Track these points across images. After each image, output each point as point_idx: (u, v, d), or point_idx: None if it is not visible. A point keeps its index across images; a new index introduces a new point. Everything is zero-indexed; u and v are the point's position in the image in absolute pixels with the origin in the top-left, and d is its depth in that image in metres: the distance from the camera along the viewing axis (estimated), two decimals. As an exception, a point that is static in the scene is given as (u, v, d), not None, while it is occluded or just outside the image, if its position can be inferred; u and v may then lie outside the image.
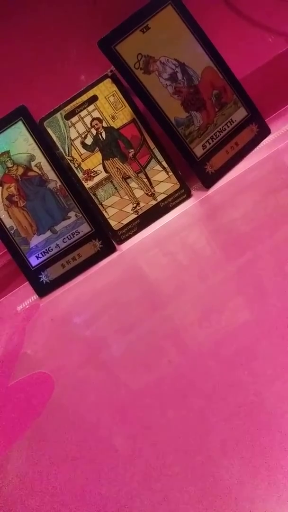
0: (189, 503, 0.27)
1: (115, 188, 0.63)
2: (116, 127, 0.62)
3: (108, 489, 0.30)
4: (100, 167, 0.62)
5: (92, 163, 0.62)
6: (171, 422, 0.33)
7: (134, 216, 0.63)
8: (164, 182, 0.62)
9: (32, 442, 0.38)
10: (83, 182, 0.63)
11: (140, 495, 0.29)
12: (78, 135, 0.62)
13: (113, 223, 0.63)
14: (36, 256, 0.62)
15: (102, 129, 0.62)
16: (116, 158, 0.62)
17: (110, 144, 0.62)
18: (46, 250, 0.62)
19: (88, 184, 0.63)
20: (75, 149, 0.62)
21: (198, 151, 0.60)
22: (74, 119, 0.62)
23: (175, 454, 0.30)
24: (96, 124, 0.62)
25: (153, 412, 0.34)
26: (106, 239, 0.62)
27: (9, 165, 0.61)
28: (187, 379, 0.35)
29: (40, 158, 0.61)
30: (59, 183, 0.62)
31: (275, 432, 0.28)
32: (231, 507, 0.26)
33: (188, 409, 0.33)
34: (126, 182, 0.63)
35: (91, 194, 0.63)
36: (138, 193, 0.63)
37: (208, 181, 0.61)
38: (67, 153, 0.62)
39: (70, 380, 0.43)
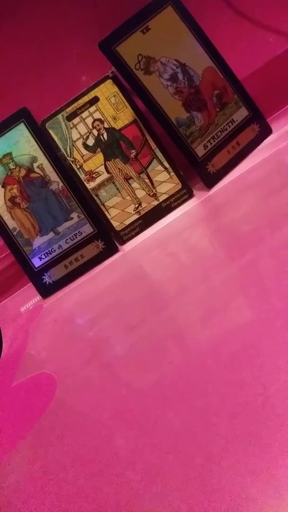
0: (190, 503, 0.27)
1: (117, 188, 0.63)
2: (117, 128, 0.62)
3: (109, 489, 0.30)
4: (102, 168, 0.63)
5: (94, 164, 0.63)
6: (173, 423, 0.33)
7: (136, 216, 0.63)
8: (166, 182, 0.63)
9: (34, 442, 0.38)
10: (85, 183, 0.63)
11: (140, 495, 0.29)
12: (79, 136, 0.62)
13: (115, 223, 0.63)
14: (39, 257, 0.62)
15: (104, 130, 0.62)
16: (118, 159, 0.62)
17: (111, 145, 0.62)
18: (49, 251, 0.62)
19: (90, 185, 0.63)
20: (77, 150, 0.62)
21: (200, 151, 0.60)
22: (76, 120, 0.62)
23: (176, 455, 0.30)
24: (98, 125, 0.62)
25: (154, 412, 0.34)
26: (109, 239, 0.62)
27: (12, 166, 0.61)
28: (189, 379, 0.36)
29: (42, 159, 0.61)
30: (61, 184, 0.62)
31: (276, 432, 0.28)
32: (232, 508, 0.26)
33: (190, 409, 0.33)
34: (128, 183, 0.63)
35: (93, 195, 0.63)
36: (140, 193, 0.63)
37: (210, 181, 0.61)
38: (69, 154, 0.62)
39: (73, 380, 0.43)
